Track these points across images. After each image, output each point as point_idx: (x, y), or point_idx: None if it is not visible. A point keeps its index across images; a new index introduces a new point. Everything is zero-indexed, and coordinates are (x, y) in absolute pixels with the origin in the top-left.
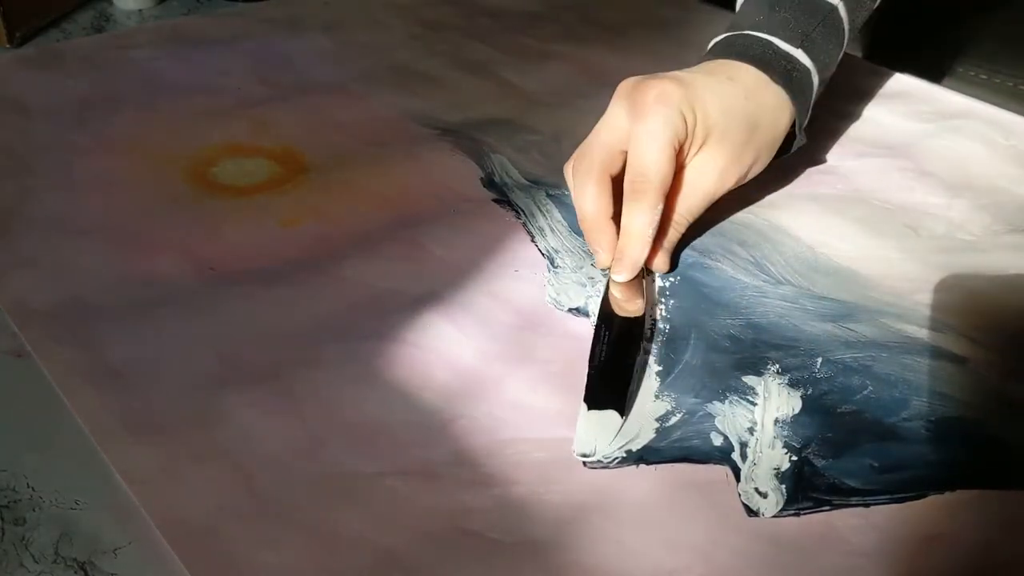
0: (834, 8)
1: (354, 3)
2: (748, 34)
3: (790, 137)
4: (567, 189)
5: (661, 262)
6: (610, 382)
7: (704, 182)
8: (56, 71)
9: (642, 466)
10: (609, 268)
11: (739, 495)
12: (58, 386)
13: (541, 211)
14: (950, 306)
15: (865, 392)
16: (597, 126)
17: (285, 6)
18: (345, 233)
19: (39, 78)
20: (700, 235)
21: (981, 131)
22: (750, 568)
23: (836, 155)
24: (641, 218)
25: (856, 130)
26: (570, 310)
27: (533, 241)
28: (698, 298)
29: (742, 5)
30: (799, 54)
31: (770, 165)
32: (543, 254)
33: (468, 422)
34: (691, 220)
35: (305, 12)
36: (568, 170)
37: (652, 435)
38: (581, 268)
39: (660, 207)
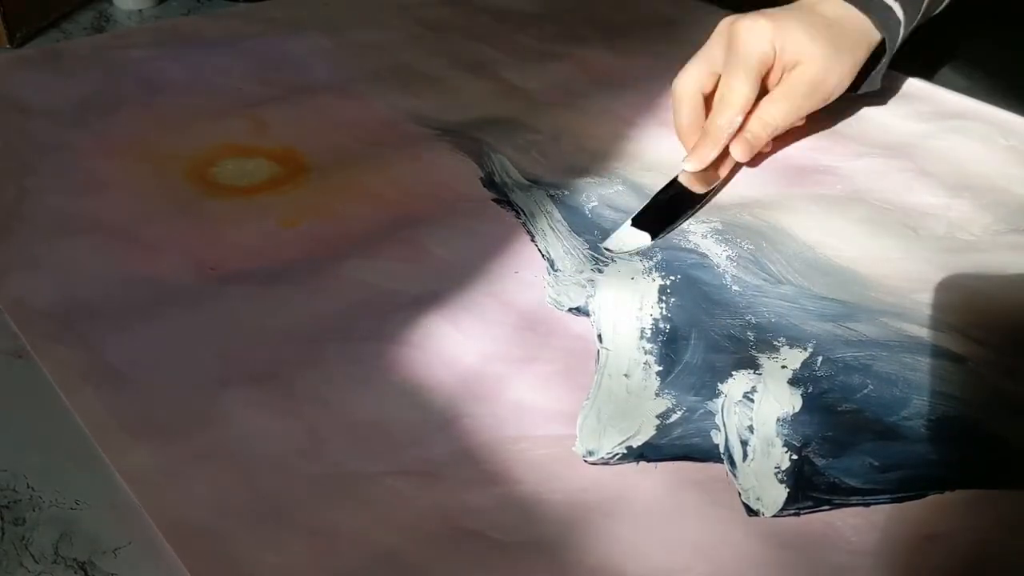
0: None
1: (354, 3)
2: None
3: (866, 71)
4: (567, 189)
5: (740, 150)
6: (657, 214)
7: (783, 106)
8: (56, 71)
9: (643, 464)
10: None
11: (739, 494)
12: (58, 386)
13: (541, 211)
14: (950, 305)
15: (865, 391)
16: (697, 53)
17: (285, 6)
18: (345, 233)
19: (39, 78)
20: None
21: (981, 131)
22: (750, 568)
23: (836, 155)
24: (718, 123)
25: (856, 130)
26: (570, 310)
27: (533, 241)
28: (698, 298)
29: None
30: (896, 6)
31: (842, 97)
32: (543, 255)
33: (469, 421)
34: (777, 126)
35: (305, 12)
36: (673, 84)
37: (653, 432)
38: (581, 272)
39: (738, 120)
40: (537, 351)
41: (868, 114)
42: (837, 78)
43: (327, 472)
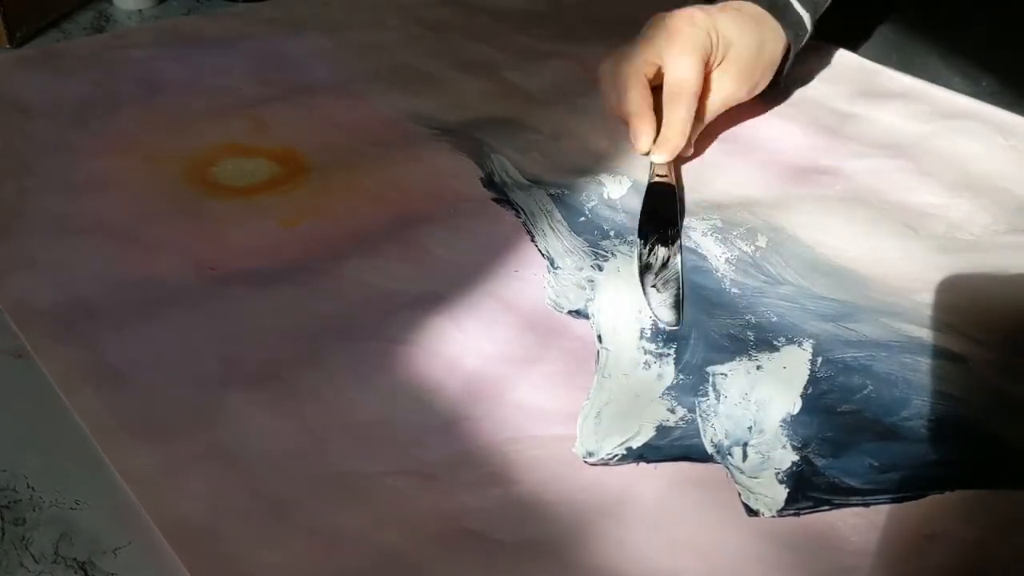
0: None
1: (354, 3)
2: None
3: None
4: (567, 189)
5: (685, 149)
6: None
7: (723, 89)
8: (56, 71)
9: (643, 465)
10: (648, 153)
11: (739, 495)
12: (58, 386)
13: (541, 211)
14: (950, 305)
15: (865, 391)
16: (634, 42)
17: (285, 6)
18: (345, 233)
19: (39, 78)
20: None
21: (981, 131)
22: (750, 568)
23: (836, 155)
24: (681, 114)
25: (856, 130)
26: (569, 312)
27: (533, 241)
28: (698, 298)
29: None
30: (805, 16)
31: (762, 93)
32: (543, 254)
33: (469, 422)
34: (711, 118)
35: (305, 12)
36: (606, 70)
37: (652, 433)
38: (581, 270)
39: (695, 106)
40: (537, 351)
41: (868, 114)
42: (763, 67)
43: (327, 472)
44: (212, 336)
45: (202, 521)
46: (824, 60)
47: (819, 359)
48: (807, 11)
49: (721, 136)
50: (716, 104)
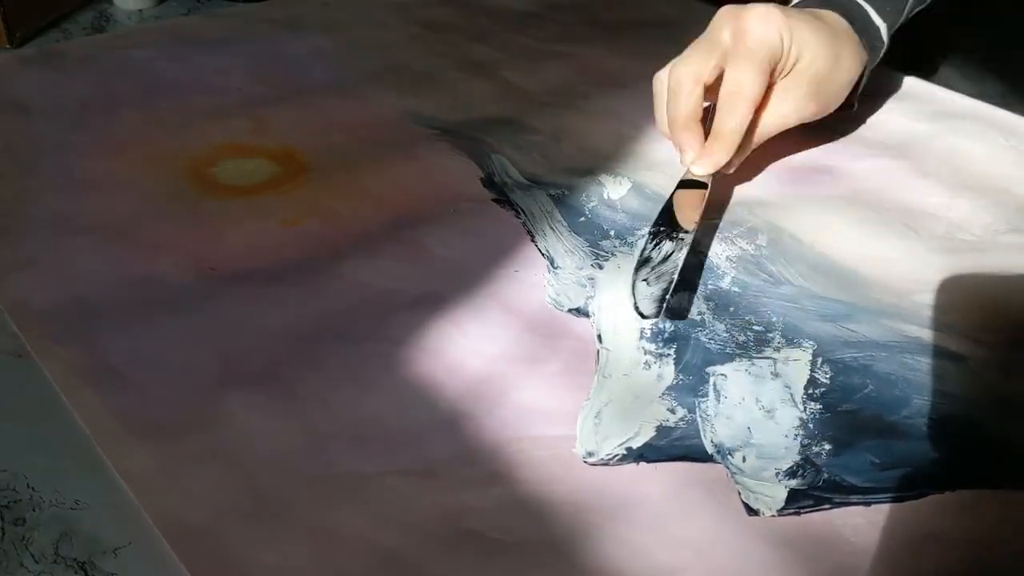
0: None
1: (354, 3)
2: None
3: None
4: (567, 189)
5: (726, 166)
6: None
7: (784, 104)
8: (56, 71)
9: (642, 464)
10: (690, 164)
11: (739, 494)
12: (58, 386)
13: (541, 211)
14: (950, 306)
15: (865, 391)
16: (696, 42)
17: (285, 6)
18: (345, 233)
19: (39, 78)
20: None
21: (981, 131)
22: (750, 567)
23: (836, 155)
24: (730, 124)
25: (856, 130)
26: (570, 311)
27: (533, 241)
28: (699, 298)
29: None
30: (883, 28)
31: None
32: (543, 254)
33: (468, 421)
34: (764, 139)
35: (305, 12)
36: (663, 76)
37: (652, 433)
38: (581, 269)
39: (750, 116)
40: (537, 351)
41: (868, 114)
42: (838, 85)
43: (327, 472)
44: (212, 336)
45: (202, 521)
46: None
47: (819, 359)
48: (884, 22)
49: None
50: (772, 122)
